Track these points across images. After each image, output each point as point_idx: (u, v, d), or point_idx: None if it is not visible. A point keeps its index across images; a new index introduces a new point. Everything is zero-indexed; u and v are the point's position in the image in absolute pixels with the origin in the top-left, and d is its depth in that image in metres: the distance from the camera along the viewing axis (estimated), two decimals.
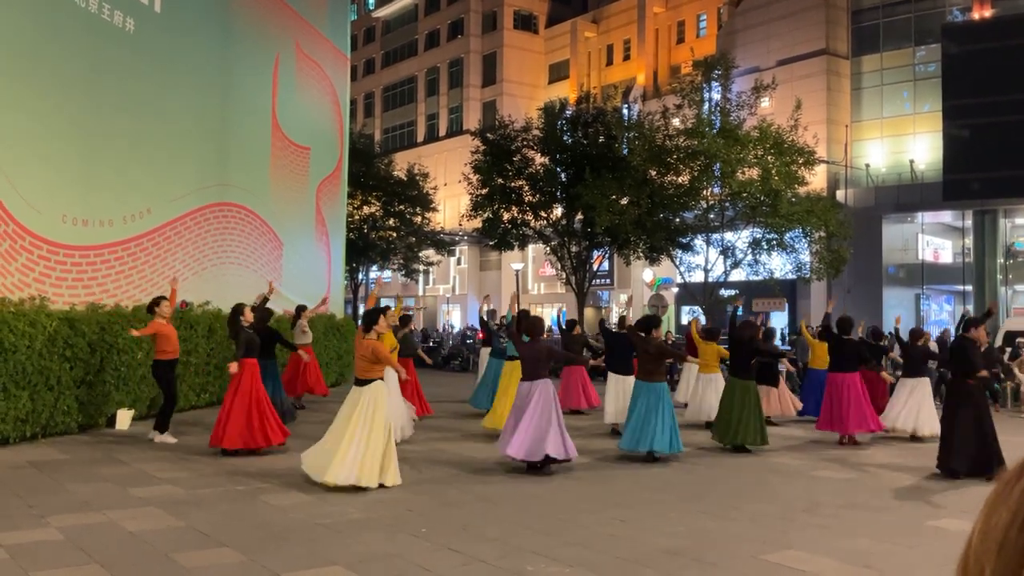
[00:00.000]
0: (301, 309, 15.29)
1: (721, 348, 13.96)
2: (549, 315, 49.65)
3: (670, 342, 18.20)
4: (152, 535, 6.41)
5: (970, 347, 10.19)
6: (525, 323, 9.98)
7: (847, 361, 12.24)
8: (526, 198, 29.80)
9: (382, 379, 8.64)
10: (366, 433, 8.22)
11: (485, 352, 16.12)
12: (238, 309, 10.52)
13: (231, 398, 10.00)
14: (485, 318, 16.36)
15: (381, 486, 8.22)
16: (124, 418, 11.97)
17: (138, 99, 13.73)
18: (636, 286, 44.81)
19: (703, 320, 21.40)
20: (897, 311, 36.15)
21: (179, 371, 12.08)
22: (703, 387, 13.94)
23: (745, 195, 25.36)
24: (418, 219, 38.43)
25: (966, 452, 9.66)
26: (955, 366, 10.32)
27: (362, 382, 8.51)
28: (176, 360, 11.20)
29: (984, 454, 9.63)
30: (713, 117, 26.57)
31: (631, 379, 11.74)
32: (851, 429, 12.02)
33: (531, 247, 39.77)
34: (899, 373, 14.52)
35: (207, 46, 15.85)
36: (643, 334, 10.71)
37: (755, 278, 28.18)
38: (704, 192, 26.62)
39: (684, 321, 19.20)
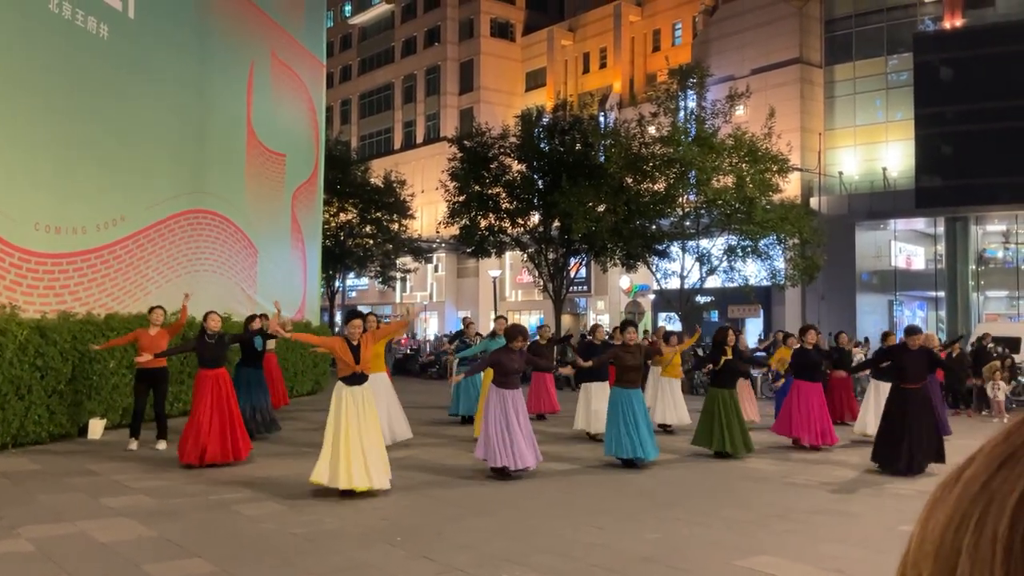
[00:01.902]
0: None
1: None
2: (527, 322, 49.79)
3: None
4: (123, 546, 6.35)
5: (903, 352, 10.60)
6: (506, 329, 10.06)
7: (808, 370, 12.37)
8: (503, 205, 29.85)
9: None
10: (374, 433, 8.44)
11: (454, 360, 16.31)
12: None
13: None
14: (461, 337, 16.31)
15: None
16: (96, 427, 11.85)
17: (112, 105, 13.63)
18: (612, 294, 45.00)
19: (678, 328, 21.52)
20: (871, 318, 36.55)
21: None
22: (664, 391, 14.12)
23: (720, 202, 25.56)
24: (395, 226, 38.35)
25: (900, 449, 10.18)
26: (894, 371, 10.78)
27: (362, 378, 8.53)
28: (147, 369, 11.00)
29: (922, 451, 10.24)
30: (688, 125, 26.76)
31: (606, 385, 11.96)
32: (804, 438, 12.14)
33: (508, 254, 39.81)
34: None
35: (181, 52, 15.75)
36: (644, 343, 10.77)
37: (730, 285, 28.39)
38: (680, 199, 26.79)
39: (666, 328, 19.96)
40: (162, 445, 10.92)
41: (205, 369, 10.04)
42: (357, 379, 8.51)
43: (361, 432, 8.26)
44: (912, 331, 10.89)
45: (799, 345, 12.88)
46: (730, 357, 11.68)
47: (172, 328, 11.38)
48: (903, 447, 10.25)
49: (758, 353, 16.25)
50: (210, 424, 9.67)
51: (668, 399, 14.07)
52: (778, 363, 15.18)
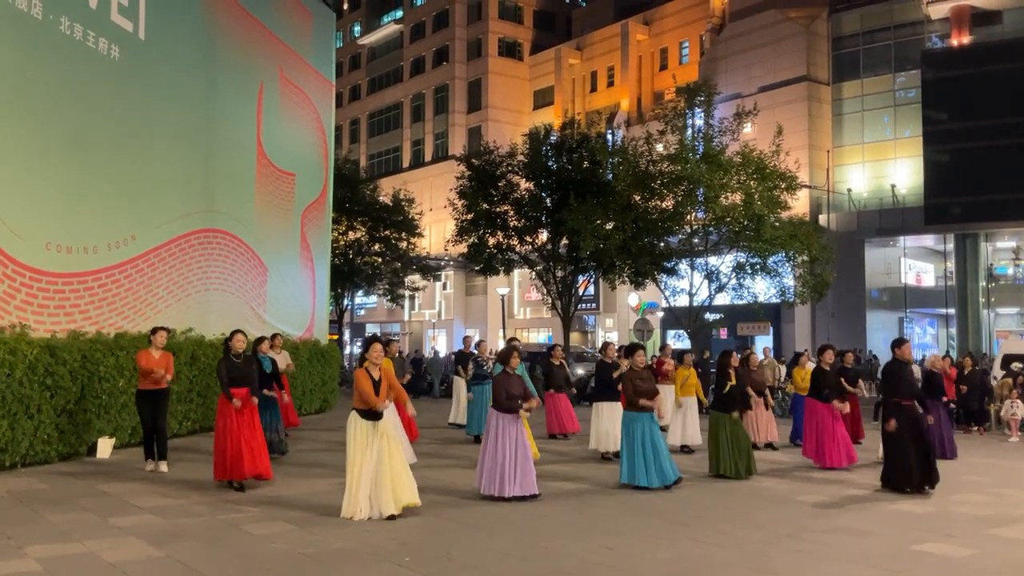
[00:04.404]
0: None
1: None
2: (536, 340, 49.72)
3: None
4: (132, 566, 6.32)
5: (899, 368, 10.53)
6: (499, 354, 9.99)
7: (823, 391, 12.30)
8: (511, 223, 29.88)
9: None
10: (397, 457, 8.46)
11: (462, 380, 16.41)
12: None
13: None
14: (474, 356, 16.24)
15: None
16: (105, 447, 11.85)
17: (123, 125, 13.71)
18: (621, 312, 44.91)
19: (687, 345, 21.44)
20: (881, 335, 36.40)
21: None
22: (678, 411, 14.05)
23: (728, 220, 25.53)
24: (403, 244, 38.43)
25: (911, 468, 10.20)
26: (887, 388, 10.67)
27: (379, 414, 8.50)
28: (149, 391, 10.91)
29: (926, 468, 10.24)
30: (696, 143, 26.78)
31: (618, 406, 11.88)
32: (826, 463, 12.13)
33: (516, 272, 39.82)
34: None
35: (191, 72, 15.86)
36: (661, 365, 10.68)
37: (739, 302, 28.30)
38: (688, 217, 26.78)
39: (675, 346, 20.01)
40: (164, 467, 10.82)
41: (232, 388, 9.85)
42: (375, 414, 8.45)
43: (382, 459, 8.21)
44: (901, 342, 10.83)
45: (816, 365, 12.77)
46: (735, 382, 11.59)
47: (170, 364, 11.19)
48: (913, 464, 10.21)
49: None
50: (240, 441, 9.58)
51: (680, 418, 13.99)
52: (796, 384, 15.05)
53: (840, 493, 10.20)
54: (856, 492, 10.31)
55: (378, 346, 8.67)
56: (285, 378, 13.71)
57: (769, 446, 14.18)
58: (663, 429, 15.25)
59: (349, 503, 8.16)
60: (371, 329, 54.06)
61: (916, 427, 10.33)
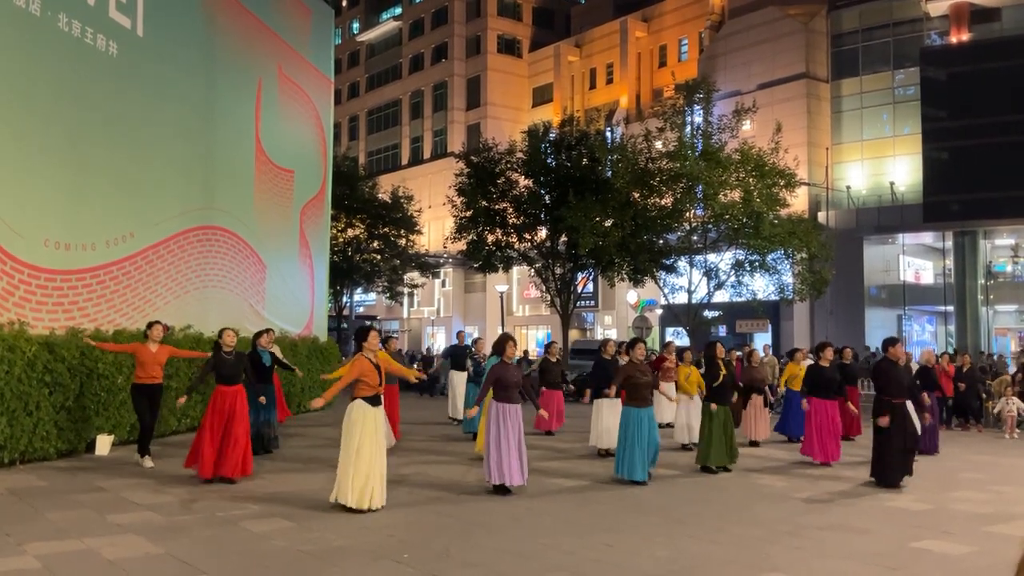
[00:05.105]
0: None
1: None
2: (535, 338, 49.77)
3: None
4: (130, 563, 6.32)
5: (889, 367, 10.68)
6: (495, 343, 10.07)
7: (823, 388, 12.32)
8: (510, 220, 29.88)
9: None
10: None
11: (458, 375, 16.46)
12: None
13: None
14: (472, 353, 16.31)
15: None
16: (104, 443, 11.83)
17: (121, 122, 13.68)
18: (619, 309, 44.90)
19: (687, 343, 21.43)
20: (880, 332, 36.43)
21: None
22: (682, 409, 14.07)
23: (727, 217, 25.55)
24: (402, 241, 38.42)
25: (899, 463, 10.45)
26: (879, 387, 10.77)
27: (380, 399, 8.54)
28: (146, 385, 10.92)
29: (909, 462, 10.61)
30: (695, 140, 26.78)
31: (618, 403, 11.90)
32: (816, 456, 12.24)
33: (515, 269, 39.82)
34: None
35: (190, 69, 15.83)
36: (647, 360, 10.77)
37: (738, 299, 28.33)
38: (687, 214, 26.79)
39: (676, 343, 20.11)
40: (149, 462, 10.87)
41: (223, 386, 9.90)
42: (378, 400, 8.47)
43: (378, 451, 8.28)
44: (892, 341, 10.95)
45: (814, 362, 12.79)
46: (725, 372, 11.64)
47: (175, 351, 11.32)
48: (898, 460, 10.41)
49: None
50: (215, 441, 9.61)
51: (684, 416, 14.00)
52: (787, 380, 15.08)
53: (837, 489, 10.22)
54: (853, 489, 10.33)
55: (375, 333, 8.70)
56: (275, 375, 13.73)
57: (753, 443, 14.24)
58: (667, 425, 15.34)
59: (341, 489, 8.18)
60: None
61: (904, 425, 10.49)
